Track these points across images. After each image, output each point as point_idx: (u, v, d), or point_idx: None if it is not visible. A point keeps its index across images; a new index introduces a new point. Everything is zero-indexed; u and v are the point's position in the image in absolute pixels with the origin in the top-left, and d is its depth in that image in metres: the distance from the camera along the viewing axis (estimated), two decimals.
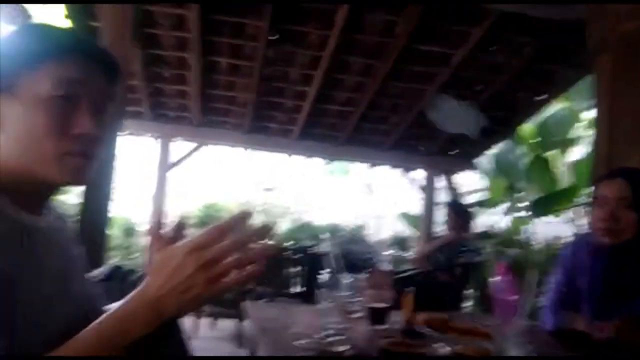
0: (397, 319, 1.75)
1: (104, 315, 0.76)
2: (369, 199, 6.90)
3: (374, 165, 6.05)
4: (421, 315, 1.55)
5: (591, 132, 5.77)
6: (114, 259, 5.16)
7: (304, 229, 6.51)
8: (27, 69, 0.82)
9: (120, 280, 1.40)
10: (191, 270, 0.71)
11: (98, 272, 1.43)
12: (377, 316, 1.70)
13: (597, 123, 3.05)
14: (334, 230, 6.51)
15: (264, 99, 4.73)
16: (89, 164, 0.85)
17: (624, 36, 2.80)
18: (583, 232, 1.81)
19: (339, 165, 6.70)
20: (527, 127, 5.80)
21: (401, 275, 4.27)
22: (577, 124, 5.66)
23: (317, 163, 7.23)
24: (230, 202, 6.87)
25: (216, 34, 3.89)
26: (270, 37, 3.79)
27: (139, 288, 0.75)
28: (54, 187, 0.90)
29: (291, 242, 6.15)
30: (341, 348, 1.35)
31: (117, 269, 1.44)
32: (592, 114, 5.90)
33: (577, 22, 3.32)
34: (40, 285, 0.81)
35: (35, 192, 0.88)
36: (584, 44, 3.41)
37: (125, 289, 1.38)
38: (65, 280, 0.90)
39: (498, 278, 1.76)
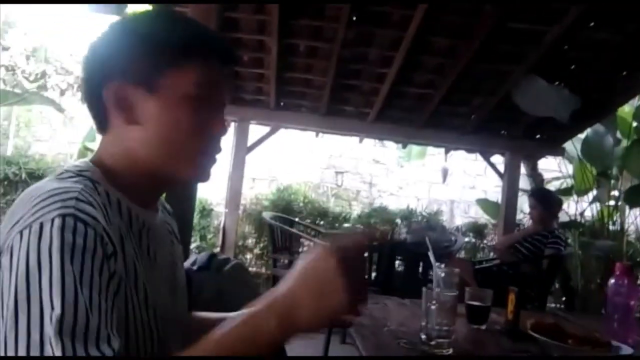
0: (497, 318, 1.64)
1: (228, 322, 0.70)
2: (445, 184, 6.68)
3: (451, 149, 5.84)
4: (528, 318, 1.42)
5: None
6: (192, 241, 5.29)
7: (378, 214, 6.41)
8: (174, 67, 0.79)
9: (217, 270, 1.38)
10: (340, 288, 0.66)
11: (196, 260, 1.43)
12: (477, 315, 1.60)
13: None
14: (408, 215, 6.36)
15: (341, 82, 4.64)
16: (215, 162, 0.86)
17: None
18: None
19: (414, 149, 6.52)
20: (623, 110, 5.37)
21: (483, 265, 4.10)
22: None
23: (392, 147, 7.10)
24: (303, 185, 6.87)
25: (295, 17, 3.84)
26: (352, 18, 3.68)
27: (276, 293, 0.70)
28: (176, 184, 0.89)
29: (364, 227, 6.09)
30: (446, 351, 1.27)
31: (213, 257, 1.43)
32: None
33: None
34: (154, 284, 0.80)
35: (155, 188, 0.87)
36: None
37: (222, 279, 1.35)
38: (173, 279, 0.89)
39: (616, 279, 1.60)
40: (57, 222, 0.66)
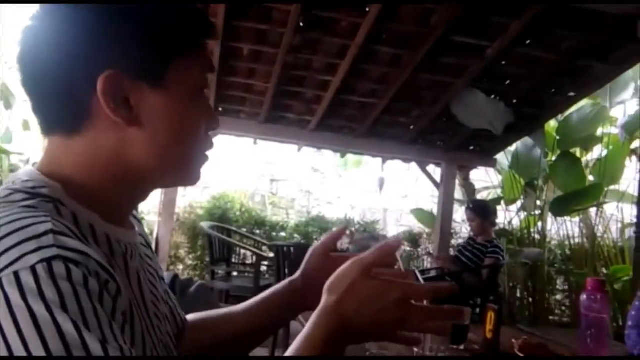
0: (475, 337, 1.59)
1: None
2: (382, 194, 6.72)
3: (388, 159, 5.89)
4: (517, 340, 1.38)
5: (616, 131, 5.68)
6: None
7: (315, 223, 6.34)
8: (181, 54, 0.66)
9: (181, 293, 1.23)
10: (396, 301, 0.63)
11: None
12: (455, 334, 1.54)
13: None
14: (345, 224, 6.34)
15: (284, 88, 4.54)
16: (207, 160, 0.74)
17: None
18: None
19: (351, 158, 6.52)
20: (549, 125, 5.64)
21: (425, 275, 4.12)
22: (603, 122, 5.51)
23: (329, 155, 7.07)
24: (238, 193, 6.68)
25: (241, 19, 3.70)
26: (299, 23, 3.59)
27: (326, 310, 0.64)
28: (151, 191, 0.73)
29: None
30: None
31: (176, 278, 1.27)
32: (621, 111, 5.80)
33: (627, 17, 3.17)
34: (143, 315, 0.66)
35: (138, 200, 0.73)
36: (631, 40, 3.26)
37: (187, 302, 1.19)
38: (156, 300, 0.75)
39: (588, 294, 1.60)
40: (42, 270, 0.49)
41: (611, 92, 5.25)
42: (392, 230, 7.38)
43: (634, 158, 5.95)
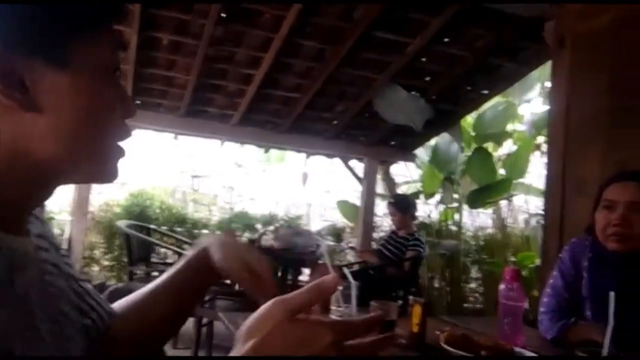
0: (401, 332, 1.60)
1: None
2: (305, 189, 6.74)
3: (312, 154, 5.90)
4: (442, 332, 1.41)
5: (524, 127, 6.05)
6: None
7: (239, 219, 6.24)
8: (87, 32, 0.59)
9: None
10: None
11: None
12: (385, 329, 1.55)
13: (551, 120, 3.09)
14: (269, 220, 6.29)
15: (205, 81, 4.41)
16: (124, 154, 0.65)
17: (582, 35, 2.84)
18: (583, 235, 1.74)
19: (275, 153, 6.48)
20: (466, 121, 5.89)
21: (349, 269, 4.17)
22: (512, 119, 5.84)
23: (252, 150, 6.97)
24: (158, 190, 6.42)
25: (160, 7, 3.53)
26: (221, 15, 3.49)
27: (246, 352, 0.50)
28: (54, 188, 0.64)
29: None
30: None
31: (103, 288, 1.17)
32: (528, 109, 6.18)
33: (534, 19, 3.35)
34: (40, 338, 0.56)
35: (37, 201, 0.64)
36: (537, 41, 3.45)
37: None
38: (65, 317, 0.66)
39: (505, 284, 1.66)
40: None
41: (519, 91, 5.56)
42: (316, 225, 7.41)
43: (538, 153, 6.36)
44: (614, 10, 2.62)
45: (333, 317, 0.55)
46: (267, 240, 4.98)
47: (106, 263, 5.53)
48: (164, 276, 0.84)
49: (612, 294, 1.26)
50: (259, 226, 6.06)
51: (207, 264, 0.79)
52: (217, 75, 4.38)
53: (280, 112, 4.95)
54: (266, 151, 6.10)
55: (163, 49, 4.04)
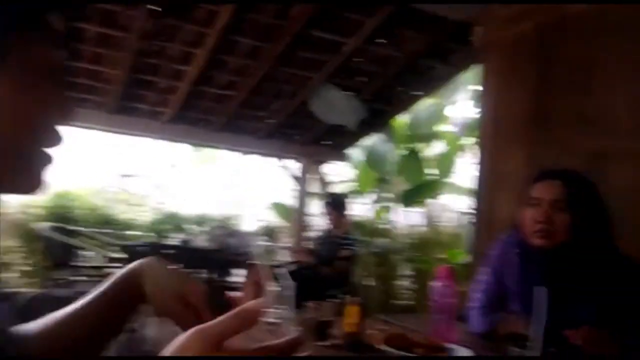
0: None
1: None
2: (239, 189, 6.64)
3: (247, 153, 5.83)
4: (378, 332, 1.41)
5: (453, 128, 6.26)
6: None
7: (169, 220, 6.05)
8: (23, 25, 0.53)
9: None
10: None
11: None
12: (318, 331, 1.53)
13: (481, 122, 3.20)
14: (202, 221, 6.15)
15: (136, 77, 4.23)
16: (50, 162, 0.58)
17: (508, 40, 2.97)
18: (511, 232, 1.80)
19: (208, 151, 6.33)
20: (399, 121, 6.02)
21: (284, 269, 4.14)
22: (442, 120, 6.02)
23: (184, 149, 6.79)
24: (84, 190, 6.11)
25: None
26: (151, 7, 3.36)
27: None
28: None
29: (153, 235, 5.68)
30: None
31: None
32: (456, 110, 6.39)
33: (463, 23, 3.46)
34: None
35: None
36: (467, 44, 3.58)
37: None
38: None
39: (439, 282, 1.69)
40: None
41: (449, 93, 5.74)
42: (251, 225, 7.32)
43: (468, 154, 6.61)
44: (538, 15, 2.75)
45: (263, 329, 0.52)
46: (199, 242, 4.87)
47: (24, 269, 5.18)
48: (89, 297, 0.77)
49: (542, 289, 1.31)
50: (191, 227, 5.90)
51: (136, 293, 0.75)
52: (148, 71, 4.22)
53: (213, 109, 4.85)
54: (199, 150, 5.95)
55: (89, 41, 3.84)
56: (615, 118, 2.37)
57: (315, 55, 4.14)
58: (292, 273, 2.00)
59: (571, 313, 1.51)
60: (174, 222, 5.99)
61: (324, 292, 3.82)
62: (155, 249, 4.06)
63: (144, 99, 4.62)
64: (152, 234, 5.83)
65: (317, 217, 6.58)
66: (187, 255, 4.01)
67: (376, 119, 5.12)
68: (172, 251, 4.20)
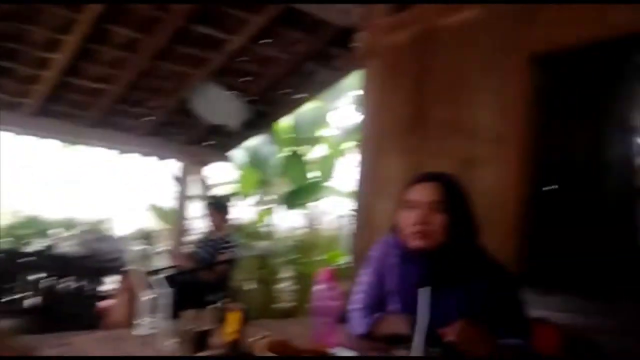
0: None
1: None
2: (114, 189, 6.23)
3: (124, 152, 5.47)
4: (259, 339, 1.35)
5: (335, 132, 6.40)
6: None
7: (30, 224, 5.49)
8: None
9: None
10: None
11: None
12: (200, 340, 1.44)
13: (362, 126, 3.29)
14: (69, 225, 5.66)
15: None
16: None
17: (389, 47, 3.08)
18: (390, 234, 1.85)
19: (80, 148, 5.85)
20: (282, 123, 6.03)
21: (160, 275, 3.91)
22: (325, 123, 6.14)
23: (53, 145, 6.20)
24: None
25: None
26: None
27: None
28: None
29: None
30: None
31: None
32: (338, 114, 6.54)
33: (347, 28, 3.54)
34: None
35: None
36: (349, 50, 3.67)
37: None
38: None
39: (321, 285, 1.68)
40: None
41: (332, 96, 5.88)
42: (126, 228, 6.89)
43: (347, 157, 6.79)
44: (415, 25, 2.88)
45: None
46: (66, 247, 4.47)
47: None
48: None
49: (426, 290, 1.33)
50: (55, 231, 5.40)
51: None
52: (5, 56, 3.78)
53: (86, 103, 4.48)
54: (69, 147, 5.48)
55: None
56: (480, 127, 2.55)
57: (197, 52, 4.00)
58: (168, 279, 1.88)
59: (449, 312, 1.55)
60: (34, 226, 5.44)
61: (203, 298, 3.68)
62: (10, 257, 3.64)
63: (2, 89, 4.13)
64: (11, 239, 5.25)
65: (198, 220, 6.38)
66: (51, 262, 3.64)
67: (259, 120, 5.06)
68: (31, 258, 3.78)
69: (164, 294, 1.24)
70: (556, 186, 2.62)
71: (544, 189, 2.50)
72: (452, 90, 2.70)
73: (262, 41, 3.98)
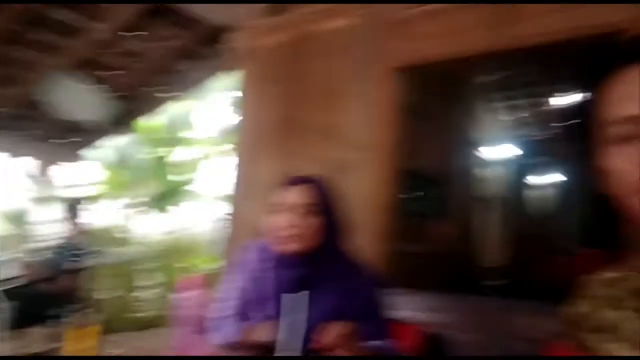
0: None
1: None
2: None
3: None
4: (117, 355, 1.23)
5: (208, 134, 6.22)
6: None
7: None
8: None
9: None
10: None
11: None
12: None
13: (239, 129, 3.22)
14: None
15: None
16: None
17: (266, 50, 3.06)
18: (262, 239, 1.81)
19: None
20: (150, 123, 5.73)
21: (11, 286, 3.45)
22: (193, 125, 5.97)
23: None
24: None
25: None
26: None
27: None
28: None
29: None
30: None
31: None
32: (213, 115, 6.34)
33: (224, 28, 3.46)
34: None
35: None
36: (225, 50, 3.59)
37: None
38: None
39: (185, 292, 1.59)
40: None
41: (205, 96, 5.72)
42: None
43: (223, 160, 6.64)
44: (294, 29, 2.88)
45: None
46: None
47: None
48: None
49: (302, 295, 1.30)
50: None
51: None
52: None
53: None
54: None
55: None
56: (351, 133, 2.62)
57: (55, 39, 3.63)
58: (7, 292, 1.66)
59: (322, 316, 1.54)
60: None
61: (45, 313, 3.25)
62: None
63: None
64: None
65: (52, 224, 5.80)
66: None
67: (123, 117, 4.75)
68: None
69: (3, 308, 1.08)
70: (419, 193, 2.79)
71: (400, 196, 2.63)
72: (325, 96, 2.74)
73: (130, 34, 3.73)
